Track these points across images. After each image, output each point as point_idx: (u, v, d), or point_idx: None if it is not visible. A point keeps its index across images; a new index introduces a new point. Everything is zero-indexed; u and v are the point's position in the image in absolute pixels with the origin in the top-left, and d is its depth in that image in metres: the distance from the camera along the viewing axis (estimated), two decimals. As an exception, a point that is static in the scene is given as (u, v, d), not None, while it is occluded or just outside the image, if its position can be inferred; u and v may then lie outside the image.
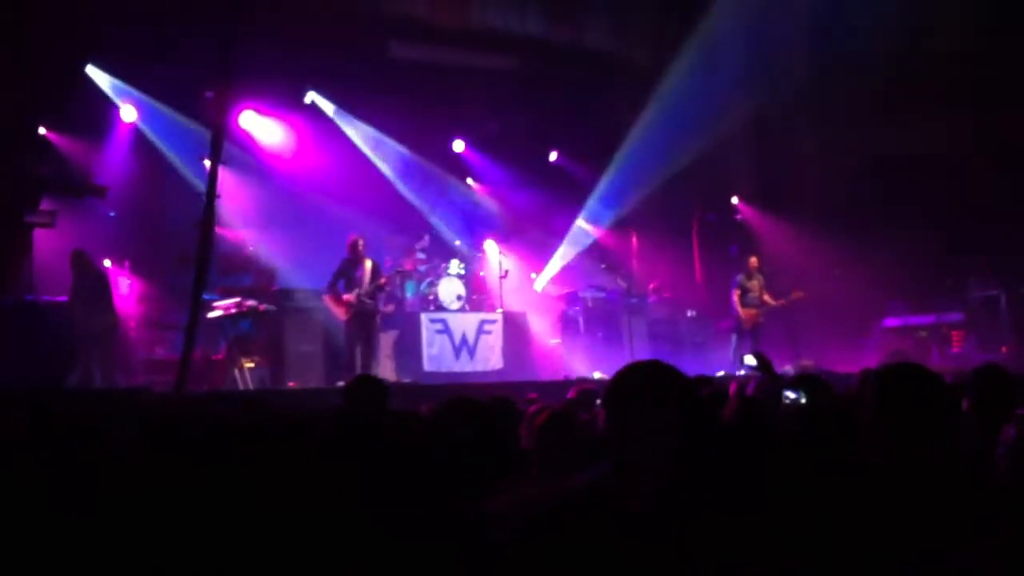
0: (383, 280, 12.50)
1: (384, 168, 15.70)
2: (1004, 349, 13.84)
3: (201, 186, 10.00)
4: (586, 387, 6.99)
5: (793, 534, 2.29)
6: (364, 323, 11.92)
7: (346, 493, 2.26)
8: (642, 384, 2.54)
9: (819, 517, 2.38)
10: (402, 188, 15.87)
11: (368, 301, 12.06)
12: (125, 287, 12.84)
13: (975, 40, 13.57)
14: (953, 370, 10.17)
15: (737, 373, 11.56)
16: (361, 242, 12.10)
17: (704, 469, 2.33)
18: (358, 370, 11.48)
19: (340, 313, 11.80)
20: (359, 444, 2.37)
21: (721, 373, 12.31)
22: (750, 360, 6.07)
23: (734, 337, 14.05)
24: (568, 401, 6.49)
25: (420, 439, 2.73)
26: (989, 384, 4.38)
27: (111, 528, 2.61)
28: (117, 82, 13.46)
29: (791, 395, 5.06)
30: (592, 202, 16.80)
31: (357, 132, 15.34)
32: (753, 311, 13.87)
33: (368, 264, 12.12)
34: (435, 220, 15.90)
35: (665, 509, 2.26)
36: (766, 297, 13.99)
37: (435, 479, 2.41)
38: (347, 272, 11.92)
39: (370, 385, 5.26)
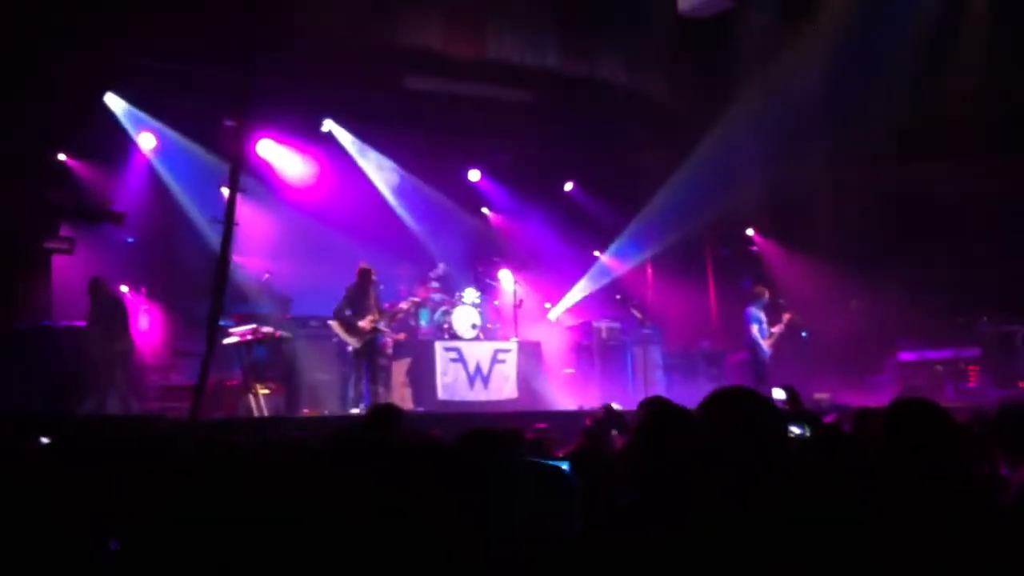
0: (402, 307, 12.53)
1: (400, 198, 15.79)
2: (1021, 384, 13.77)
3: (219, 214, 10.07)
4: (599, 417, 7.02)
5: (805, 560, 2.31)
6: (373, 351, 11.93)
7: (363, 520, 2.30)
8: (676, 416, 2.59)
9: (830, 543, 2.39)
10: (417, 217, 15.94)
11: (383, 329, 12.11)
12: (145, 323, 12.92)
13: (992, 80, 13.60)
14: (969, 406, 10.13)
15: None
16: (371, 271, 12.10)
17: (725, 496, 2.36)
18: (365, 397, 11.50)
19: (352, 340, 11.80)
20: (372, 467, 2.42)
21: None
22: (779, 393, 6.07)
23: (754, 371, 13.92)
24: (587, 430, 6.51)
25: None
26: (1015, 421, 4.32)
27: (128, 550, 2.64)
28: (136, 111, 13.60)
29: (796, 430, 5.07)
30: (607, 233, 16.86)
31: (373, 161, 15.45)
32: (768, 342, 13.83)
33: (375, 292, 12.15)
34: (450, 249, 15.94)
35: (687, 533, 2.29)
36: (773, 328, 13.94)
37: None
38: (355, 299, 11.91)
39: (387, 414, 5.28)
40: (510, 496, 2.93)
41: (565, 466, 4.01)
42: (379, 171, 15.46)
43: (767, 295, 14.07)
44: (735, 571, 2.27)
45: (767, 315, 13.99)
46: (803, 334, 13.96)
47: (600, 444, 4.84)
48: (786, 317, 13.87)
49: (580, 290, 16.27)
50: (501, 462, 3.37)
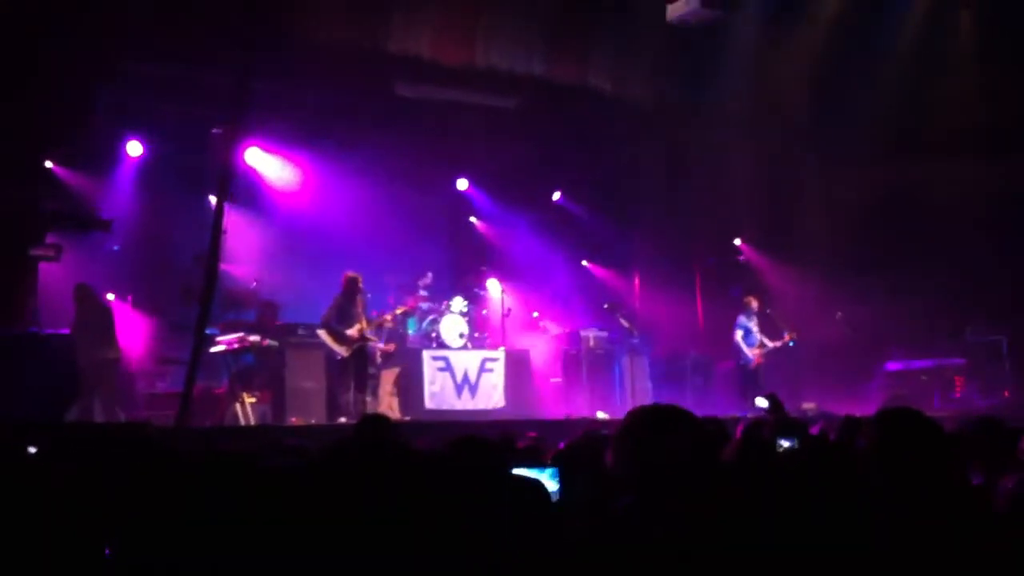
0: (389, 317, 12.49)
1: (388, 205, 15.77)
2: (1006, 393, 13.82)
3: (206, 221, 10.04)
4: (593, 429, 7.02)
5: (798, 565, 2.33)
6: (361, 359, 11.90)
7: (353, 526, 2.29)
8: (657, 424, 2.60)
9: (822, 549, 2.40)
10: (405, 225, 15.92)
11: (371, 338, 12.08)
12: (130, 330, 12.87)
13: (982, 84, 13.70)
14: (955, 415, 10.17)
15: (746, 414, 11.51)
16: (358, 279, 12.06)
17: (716, 499, 2.38)
18: (352, 407, 11.46)
19: (341, 349, 11.76)
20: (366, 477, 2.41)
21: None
22: (762, 402, 6.08)
23: (740, 378, 13.99)
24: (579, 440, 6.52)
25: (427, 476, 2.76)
26: (989, 436, 4.38)
27: (116, 559, 2.62)
28: (124, 117, 13.54)
29: (785, 443, 5.08)
30: (595, 241, 16.89)
31: (362, 169, 15.42)
32: (756, 351, 13.87)
33: (362, 300, 12.12)
34: (438, 257, 15.92)
35: (683, 535, 2.30)
36: (761, 337, 13.99)
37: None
38: (343, 308, 11.87)
39: (378, 424, 5.25)
40: (493, 506, 2.94)
41: (550, 473, 4.00)
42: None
43: (754, 305, 14.12)
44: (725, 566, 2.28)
45: (763, 325, 14.05)
46: (790, 343, 13.99)
47: (593, 446, 4.85)
48: (787, 336, 13.91)
49: (564, 297, 16.32)
50: (488, 471, 3.38)
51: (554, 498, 3.82)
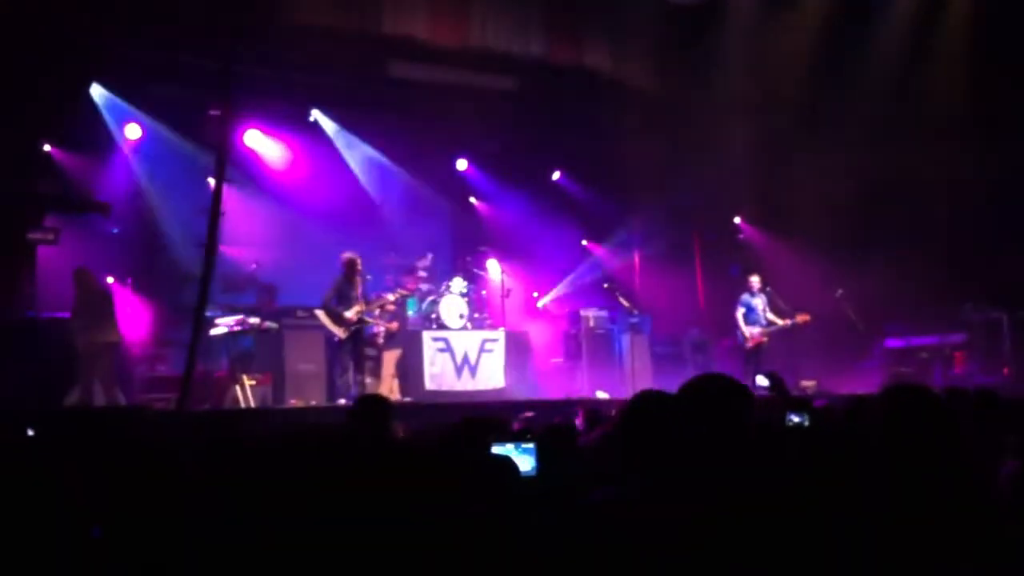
0: (391, 298, 12.45)
1: (386, 187, 15.74)
2: (1006, 371, 13.81)
3: (205, 204, 10.02)
4: (590, 407, 7.02)
5: (802, 548, 2.31)
6: (359, 341, 11.86)
7: (351, 509, 2.28)
8: (661, 408, 2.58)
9: (827, 531, 2.39)
10: (405, 206, 15.90)
11: (369, 319, 12.06)
12: (130, 314, 12.85)
13: (976, 68, 13.68)
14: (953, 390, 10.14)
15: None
16: (357, 260, 11.98)
17: (716, 482, 2.36)
18: (352, 388, 11.45)
19: (338, 330, 11.70)
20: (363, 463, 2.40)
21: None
22: (762, 380, 6.06)
23: (740, 357, 13.99)
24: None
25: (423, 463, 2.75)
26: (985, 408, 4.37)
27: (113, 542, 2.62)
28: (121, 100, 13.50)
29: (795, 418, 5.08)
30: (595, 221, 16.87)
31: (359, 151, 15.40)
32: (757, 330, 13.85)
33: (361, 282, 12.07)
34: (437, 238, 15.89)
35: (679, 520, 2.29)
36: (770, 316, 13.96)
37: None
38: (341, 290, 11.83)
39: (375, 405, 5.22)
40: (462, 489, 2.93)
41: (528, 449, 3.97)
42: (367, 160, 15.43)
43: (756, 283, 14.10)
44: (732, 565, 2.26)
45: (771, 304, 14.03)
46: (789, 322, 13.96)
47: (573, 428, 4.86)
48: (799, 318, 13.85)
49: (564, 277, 16.34)
50: (460, 455, 3.38)
51: (532, 473, 3.83)
